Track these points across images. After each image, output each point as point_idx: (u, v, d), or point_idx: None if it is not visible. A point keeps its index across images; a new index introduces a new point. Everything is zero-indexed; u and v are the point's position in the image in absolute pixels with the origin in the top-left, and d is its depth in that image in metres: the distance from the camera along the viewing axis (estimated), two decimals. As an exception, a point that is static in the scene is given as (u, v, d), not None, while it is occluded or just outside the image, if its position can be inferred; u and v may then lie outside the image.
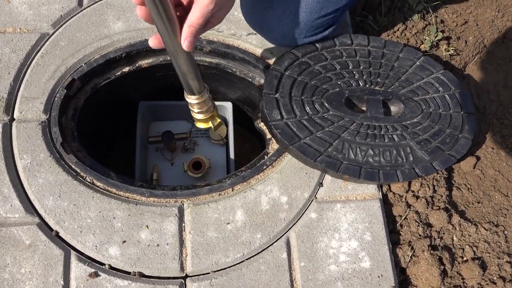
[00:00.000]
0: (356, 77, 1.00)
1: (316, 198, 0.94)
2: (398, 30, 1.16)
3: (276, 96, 0.94)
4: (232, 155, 1.23)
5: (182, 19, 0.64)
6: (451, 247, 0.97)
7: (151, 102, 1.24)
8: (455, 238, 0.98)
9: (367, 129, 0.95)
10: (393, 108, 1.00)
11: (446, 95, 1.02)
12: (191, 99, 0.82)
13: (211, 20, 0.64)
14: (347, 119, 0.95)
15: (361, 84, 1.00)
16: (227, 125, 1.33)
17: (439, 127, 0.98)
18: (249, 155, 1.46)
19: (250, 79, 1.10)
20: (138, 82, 1.12)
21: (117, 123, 1.26)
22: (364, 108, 0.99)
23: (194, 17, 0.62)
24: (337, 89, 0.98)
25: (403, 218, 0.97)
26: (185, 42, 0.63)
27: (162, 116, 1.31)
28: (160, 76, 1.12)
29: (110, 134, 1.28)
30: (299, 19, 0.91)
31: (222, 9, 0.65)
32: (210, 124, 0.90)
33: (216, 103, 1.27)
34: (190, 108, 0.86)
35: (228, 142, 1.29)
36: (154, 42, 0.66)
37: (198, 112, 0.86)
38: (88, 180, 0.91)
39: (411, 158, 0.94)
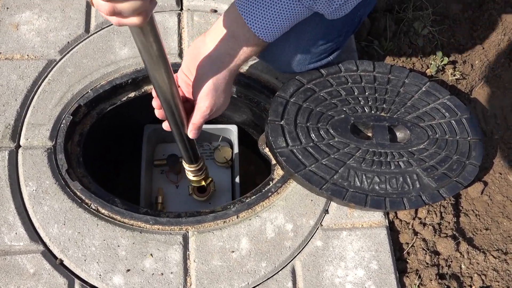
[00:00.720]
0: (361, 103, 1.00)
1: (322, 225, 0.94)
2: (404, 54, 1.16)
3: (282, 123, 0.94)
4: (237, 179, 1.23)
5: (187, 111, 0.81)
6: (459, 275, 0.96)
7: (156, 125, 1.25)
8: (463, 266, 0.96)
9: (373, 156, 0.95)
10: (399, 135, 1.00)
11: (453, 121, 1.01)
12: (188, 167, 0.99)
13: (210, 116, 0.82)
14: (353, 146, 0.95)
15: (366, 111, 0.99)
16: (232, 148, 1.33)
17: (445, 154, 0.97)
18: (254, 177, 1.46)
19: (255, 104, 1.10)
20: (143, 107, 1.12)
21: (122, 147, 1.27)
22: (370, 135, 0.99)
23: (196, 119, 0.80)
24: (343, 116, 0.97)
25: (410, 245, 0.96)
26: (190, 133, 0.82)
27: (168, 138, 1.31)
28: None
29: (115, 158, 1.29)
30: (302, 46, 0.91)
31: (218, 110, 0.82)
32: (202, 182, 1.09)
33: (221, 126, 1.30)
34: (186, 172, 1.03)
35: (233, 164, 1.29)
36: (159, 114, 0.82)
37: (193, 176, 1.04)
38: (93, 207, 0.91)
39: (418, 185, 0.93)
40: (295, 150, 0.92)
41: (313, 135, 0.95)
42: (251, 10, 0.74)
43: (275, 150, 0.92)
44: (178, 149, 0.91)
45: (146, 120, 1.23)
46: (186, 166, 0.99)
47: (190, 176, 1.04)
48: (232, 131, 1.27)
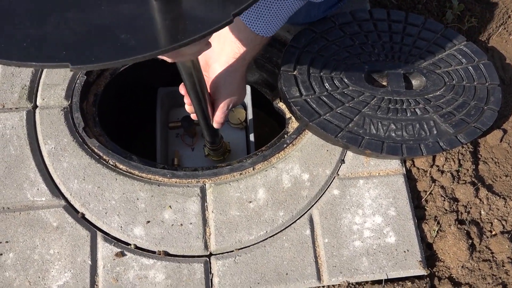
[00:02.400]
0: (375, 51, 0.99)
1: (338, 175, 0.94)
2: (419, 3, 1.14)
3: (294, 73, 0.94)
4: (252, 138, 1.24)
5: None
6: (479, 221, 0.95)
7: (170, 88, 1.25)
8: (482, 212, 0.96)
9: (389, 104, 0.94)
10: (415, 82, 0.99)
11: (470, 67, 1.00)
12: (208, 145, 1.10)
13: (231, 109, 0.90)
14: (368, 94, 0.94)
15: (381, 59, 0.98)
16: (246, 109, 1.33)
17: (463, 100, 0.96)
18: (269, 138, 1.45)
19: (267, 60, 1.10)
20: (156, 68, 1.13)
21: (137, 110, 1.28)
22: (384, 83, 0.98)
23: (218, 117, 0.89)
24: (357, 65, 0.97)
25: (428, 193, 0.96)
26: (215, 124, 0.91)
27: (181, 102, 1.31)
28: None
29: (131, 121, 1.30)
30: None
31: (236, 103, 0.89)
32: (221, 157, 1.19)
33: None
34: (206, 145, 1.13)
35: (247, 125, 1.29)
36: (189, 109, 0.94)
37: (212, 151, 1.14)
38: (111, 163, 0.93)
39: (435, 132, 0.92)
40: (309, 100, 0.92)
41: (327, 84, 0.94)
42: (250, 14, 0.79)
43: (288, 100, 0.92)
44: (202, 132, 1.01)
45: (159, 82, 1.24)
46: (207, 144, 1.10)
47: (209, 150, 1.15)
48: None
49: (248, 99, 1.28)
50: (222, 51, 0.84)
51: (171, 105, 1.33)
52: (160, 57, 0.59)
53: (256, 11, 0.78)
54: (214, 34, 0.78)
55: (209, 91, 0.87)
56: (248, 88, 1.26)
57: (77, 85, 0.98)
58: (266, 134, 1.50)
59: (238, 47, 0.83)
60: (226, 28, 0.82)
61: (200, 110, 0.85)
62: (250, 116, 1.28)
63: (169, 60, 0.63)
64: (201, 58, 0.82)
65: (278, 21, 0.81)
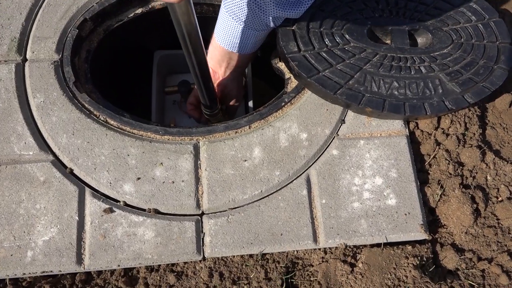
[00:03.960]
0: (379, 7, 0.95)
1: (338, 135, 0.91)
2: (425, -38, 1.09)
3: (293, 28, 0.90)
4: (250, 104, 1.20)
5: None
6: (485, 186, 0.91)
7: (167, 51, 1.22)
8: (489, 177, 0.92)
9: (392, 61, 0.90)
10: (420, 40, 0.94)
11: (480, 24, 0.95)
12: (205, 110, 1.06)
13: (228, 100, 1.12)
14: (370, 51, 0.91)
15: (385, 15, 0.94)
16: (245, 76, 1.30)
17: (471, 58, 0.92)
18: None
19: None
20: (152, 27, 1.10)
21: (132, 73, 1.25)
22: (388, 41, 0.94)
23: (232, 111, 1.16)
24: (359, 20, 0.93)
25: (432, 156, 0.92)
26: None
27: (180, 68, 1.29)
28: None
29: (124, 84, 1.28)
30: None
31: (238, 98, 1.13)
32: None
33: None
34: (203, 110, 1.09)
35: (247, 92, 1.26)
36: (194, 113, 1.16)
37: (210, 117, 1.10)
38: (102, 118, 0.91)
39: (440, 91, 0.88)
40: (307, 55, 0.89)
41: (327, 40, 0.90)
42: (232, 43, 0.94)
43: (286, 55, 0.88)
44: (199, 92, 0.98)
45: (156, 44, 1.21)
46: (205, 109, 1.07)
47: (207, 115, 1.11)
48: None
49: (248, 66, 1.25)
50: (215, 66, 1.02)
51: (169, 71, 1.30)
52: None
53: (235, 40, 0.94)
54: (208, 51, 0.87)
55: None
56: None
57: (68, 39, 0.95)
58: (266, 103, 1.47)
59: (228, 64, 1.00)
60: (213, 47, 0.98)
61: (197, 67, 0.82)
62: (250, 84, 1.25)
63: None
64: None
65: (258, 43, 0.96)
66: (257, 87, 1.35)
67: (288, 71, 0.98)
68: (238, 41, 0.93)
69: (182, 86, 1.20)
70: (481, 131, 0.96)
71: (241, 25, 0.89)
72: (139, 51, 1.19)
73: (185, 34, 0.70)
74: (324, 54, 0.89)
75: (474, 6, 0.97)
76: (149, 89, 1.21)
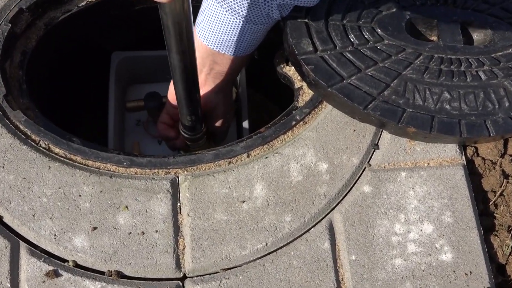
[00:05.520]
0: (421, -8, 1.00)
1: (370, 165, 0.93)
2: None
3: (306, 20, 0.94)
4: (245, 125, 1.23)
5: None
6: None
7: (129, 52, 1.25)
8: None
9: (440, 64, 0.94)
10: (477, 35, 0.99)
11: (555, 15, 1.00)
12: (184, 133, 1.10)
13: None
14: (411, 51, 0.94)
15: (429, 2, 0.99)
16: (236, 87, 1.33)
17: (546, 60, 0.96)
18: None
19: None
20: (111, 20, 1.13)
21: (82, 82, 1.27)
22: (434, 37, 0.98)
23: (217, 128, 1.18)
24: (395, 10, 0.97)
25: (498, 194, 0.95)
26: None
27: (146, 74, 1.32)
28: (141, 11, 1.13)
29: (72, 97, 1.30)
30: None
31: (227, 115, 1.18)
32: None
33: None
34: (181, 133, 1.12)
35: (239, 108, 1.29)
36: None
37: (190, 142, 1.14)
38: (43, 145, 0.92)
39: (507, 104, 0.92)
40: (326, 57, 0.92)
41: (352, 36, 0.94)
42: (219, 40, 0.97)
43: (298, 56, 0.91)
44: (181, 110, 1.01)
45: (115, 43, 1.24)
46: (183, 132, 1.10)
47: (187, 139, 1.14)
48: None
49: (240, 75, 1.28)
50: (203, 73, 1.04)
51: (131, 79, 1.32)
52: None
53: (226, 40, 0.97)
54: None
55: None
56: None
57: (-4, 36, 0.97)
58: (265, 123, 1.49)
59: (219, 71, 1.04)
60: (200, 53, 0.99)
61: (183, 72, 0.85)
62: (244, 97, 1.28)
63: None
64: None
65: (253, 45, 1.00)
66: (254, 101, 1.38)
67: (299, 78, 1.00)
68: (228, 38, 0.96)
69: (150, 100, 1.22)
70: None
71: (232, 15, 0.92)
72: (93, 53, 1.22)
73: (176, 30, 0.74)
74: (349, 55, 0.92)
75: (547, -10, 1.02)
76: (105, 104, 1.23)
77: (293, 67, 1.00)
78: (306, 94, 1.00)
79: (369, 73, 0.91)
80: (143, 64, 1.28)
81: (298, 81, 1.02)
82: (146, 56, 1.27)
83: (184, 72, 0.86)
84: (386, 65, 0.92)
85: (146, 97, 1.22)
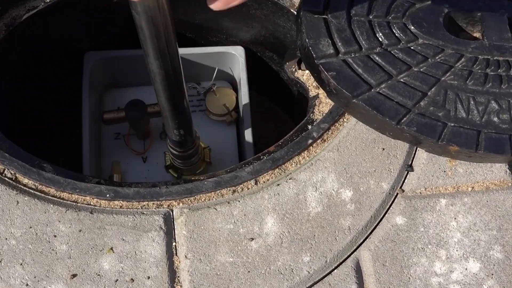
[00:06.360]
0: (461, -20, 1.00)
1: (403, 190, 0.93)
2: None
3: (325, 15, 0.94)
4: (249, 137, 1.23)
5: None
6: None
7: (105, 52, 1.25)
8: None
9: (486, 67, 0.94)
10: (529, 32, 0.99)
11: None
12: (173, 150, 1.10)
13: None
14: (450, 52, 0.94)
15: (470, -7, 0.99)
16: (236, 90, 1.33)
17: None
18: (276, 140, 1.46)
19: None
20: (84, 17, 1.13)
21: (52, 93, 1.27)
22: (477, 35, 0.98)
23: None
24: (430, 2, 0.97)
25: (557, 222, 0.96)
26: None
27: (126, 77, 1.32)
28: (119, 4, 1.13)
29: (40, 110, 1.30)
30: None
31: None
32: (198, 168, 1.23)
33: (216, 49, 1.29)
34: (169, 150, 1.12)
35: (240, 117, 1.28)
36: None
37: (179, 160, 1.15)
38: (8, 174, 0.92)
39: None
40: (350, 60, 0.92)
41: (381, 34, 0.94)
42: None
43: (316, 60, 0.91)
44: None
45: (89, 42, 1.23)
46: (172, 148, 1.10)
47: (176, 161, 1.15)
48: (236, 57, 1.27)
49: (240, 70, 1.28)
50: None
51: (108, 82, 1.32)
52: None
53: None
54: None
55: None
56: (240, 50, 1.27)
57: None
58: (271, 133, 1.50)
59: None
60: None
61: (165, 79, 0.85)
62: (245, 102, 1.28)
63: None
64: None
65: None
66: (258, 107, 1.38)
67: (314, 84, 1.00)
68: None
69: (133, 110, 1.22)
70: None
71: None
72: (63, 55, 1.21)
73: (152, 32, 0.74)
74: (377, 58, 0.92)
75: None
76: (79, 115, 1.23)
77: (306, 71, 1.00)
78: (323, 104, 1.00)
79: (401, 80, 0.91)
80: (122, 65, 1.28)
81: (313, 88, 1.02)
82: (126, 56, 1.27)
83: (166, 80, 0.85)
84: (421, 69, 0.92)
85: (127, 106, 1.21)
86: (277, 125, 1.52)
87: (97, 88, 1.28)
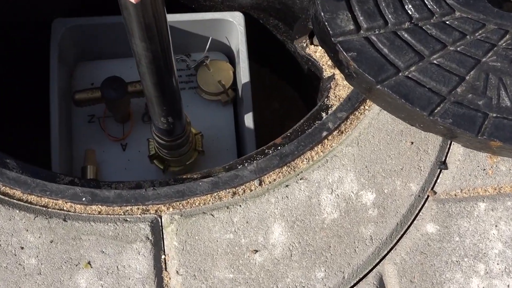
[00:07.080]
0: None
1: (435, 192, 0.93)
2: None
3: (344, -16, 0.93)
4: (249, 122, 1.22)
5: None
6: None
7: (76, 19, 1.24)
8: None
9: (535, 46, 0.93)
10: None
11: None
12: (158, 137, 1.10)
13: None
14: (493, 27, 0.94)
15: (516, -45, 0.98)
16: (233, 64, 1.32)
17: None
18: (281, 123, 1.46)
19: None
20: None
21: (13, 67, 1.26)
22: (525, 5, 0.98)
23: None
24: (469, -32, 0.96)
25: None
26: None
27: (100, 48, 1.32)
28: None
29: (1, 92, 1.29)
30: None
31: None
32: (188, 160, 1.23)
33: (210, 15, 1.28)
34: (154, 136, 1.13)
35: (238, 96, 1.28)
36: None
37: (165, 149, 1.16)
38: (-35, 174, 0.91)
39: None
40: (374, 38, 0.91)
41: (410, 6, 0.93)
42: None
43: (333, 37, 0.91)
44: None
45: (58, 8, 1.22)
46: (156, 135, 1.09)
47: (161, 150, 1.15)
48: (232, 25, 1.27)
49: (239, 41, 1.27)
50: None
51: (80, 54, 1.32)
52: None
53: None
54: None
55: None
56: (239, 16, 1.26)
57: None
58: (276, 114, 1.49)
59: None
60: None
61: (147, 60, 0.83)
62: (245, 78, 1.27)
63: None
64: None
65: None
66: (260, 83, 1.37)
67: (329, 63, 1.00)
68: None
69: (111, 89, 1.21)
70: None
71: None
72: (28, 24, 1.20)
73: (139, 12, 0.73)
74: (406, 36, 0.92)
75: None
76: (45, 94, 1.23)
77: (322, 49, 0.99)
78: (340, 88, 1.00)
79: (435, 62, 0.91)
80: (96, 34, 1.27)
81: (328, 68, 1.01)
82: (100, 23, 1.26)
83: (153, 63, 0.84)
84: (458, 49, 0.92)
85: (104, 84, 1.21)
86: (283, 104, 1.51)
87: (67, 61, 1.28)
